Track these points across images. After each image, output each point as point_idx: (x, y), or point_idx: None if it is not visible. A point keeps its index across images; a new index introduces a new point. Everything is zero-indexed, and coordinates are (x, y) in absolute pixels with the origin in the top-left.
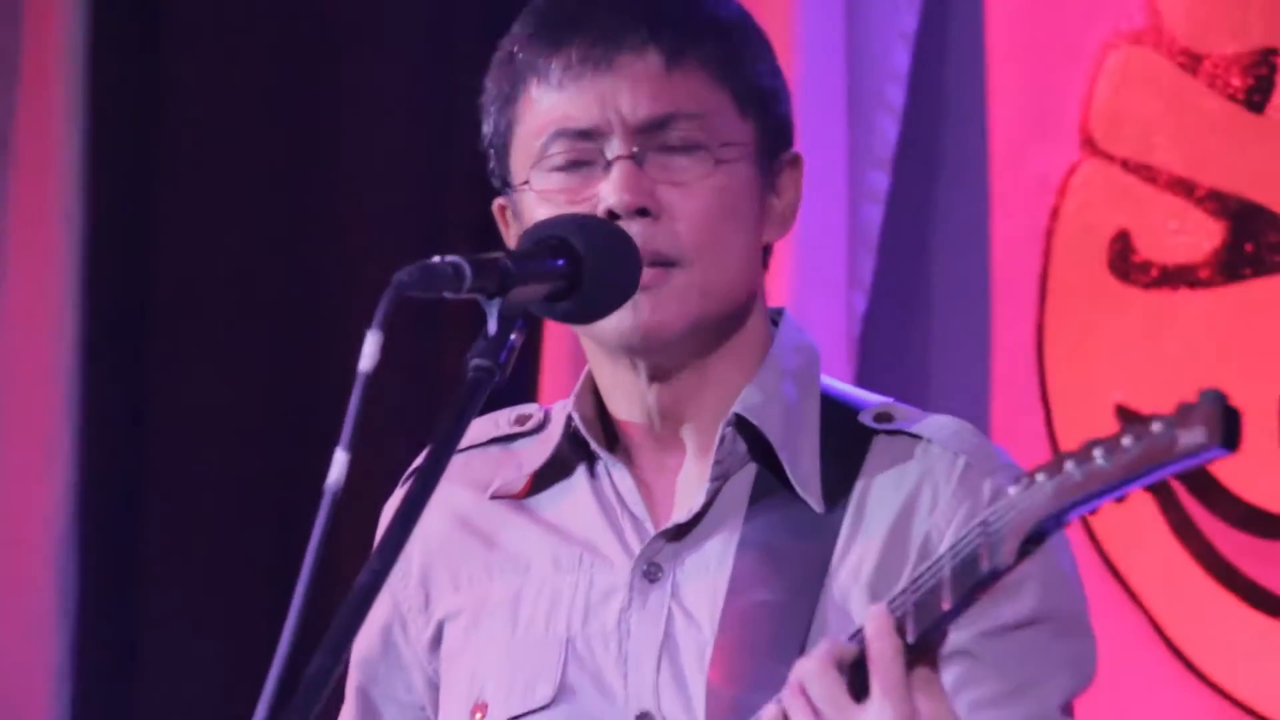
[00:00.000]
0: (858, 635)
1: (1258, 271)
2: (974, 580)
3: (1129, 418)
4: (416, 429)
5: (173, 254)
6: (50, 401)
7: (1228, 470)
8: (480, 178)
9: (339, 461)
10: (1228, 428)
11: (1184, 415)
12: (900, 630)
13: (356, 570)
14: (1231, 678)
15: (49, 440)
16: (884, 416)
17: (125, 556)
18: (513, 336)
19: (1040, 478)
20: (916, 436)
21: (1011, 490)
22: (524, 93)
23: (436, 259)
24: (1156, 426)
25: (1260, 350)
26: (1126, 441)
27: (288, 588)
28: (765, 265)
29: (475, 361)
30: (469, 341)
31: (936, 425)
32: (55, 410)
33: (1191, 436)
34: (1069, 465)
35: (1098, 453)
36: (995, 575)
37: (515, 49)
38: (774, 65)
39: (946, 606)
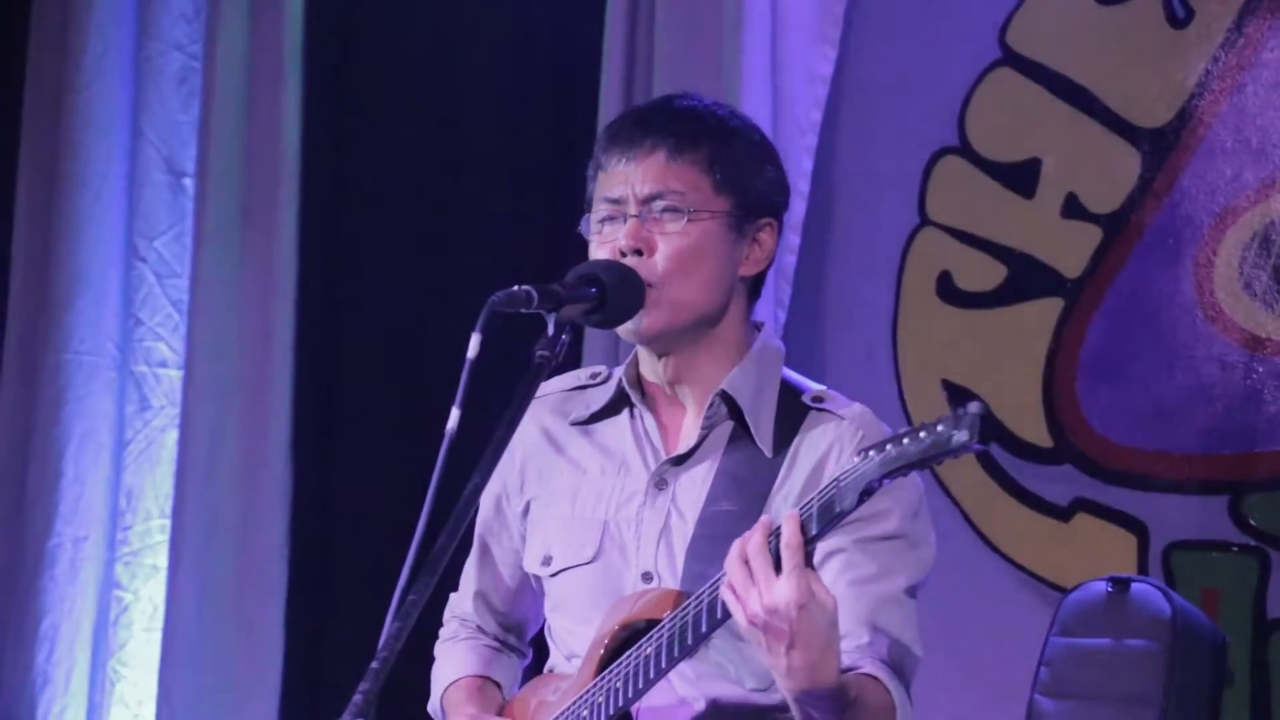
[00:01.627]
0: (774, 534)
1: (1026, 298)
2: (830, 516)
3: (950, 388)
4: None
5: (354, 283)
6: (275, 366)
7: (1009, 419)
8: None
9: (454, 415)
10: (984, 431)
11: (958, 420)
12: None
13: (465, 481)
14: (1013, 549)
15: (274, 386)
16: (818, 399)
17: (321, 472)
18: (563, 337)
19: (872, 454)
20: (836, 415)
21: (855, 459)
22: (595, 178)
23: (516, 288)
24: (941, 427)
25: (1028, 344)
26: (923, 435)
27: (423, 492)
28: (756, 292)
29: (540, 352)
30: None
31: (849, 410)
32: (278, 369)
33: (960, 436)
34: (889, 447)
35: (906, 440)
36: (843, 515)
37: (595, 151)
38: (760, 163)
39: (814, 531)
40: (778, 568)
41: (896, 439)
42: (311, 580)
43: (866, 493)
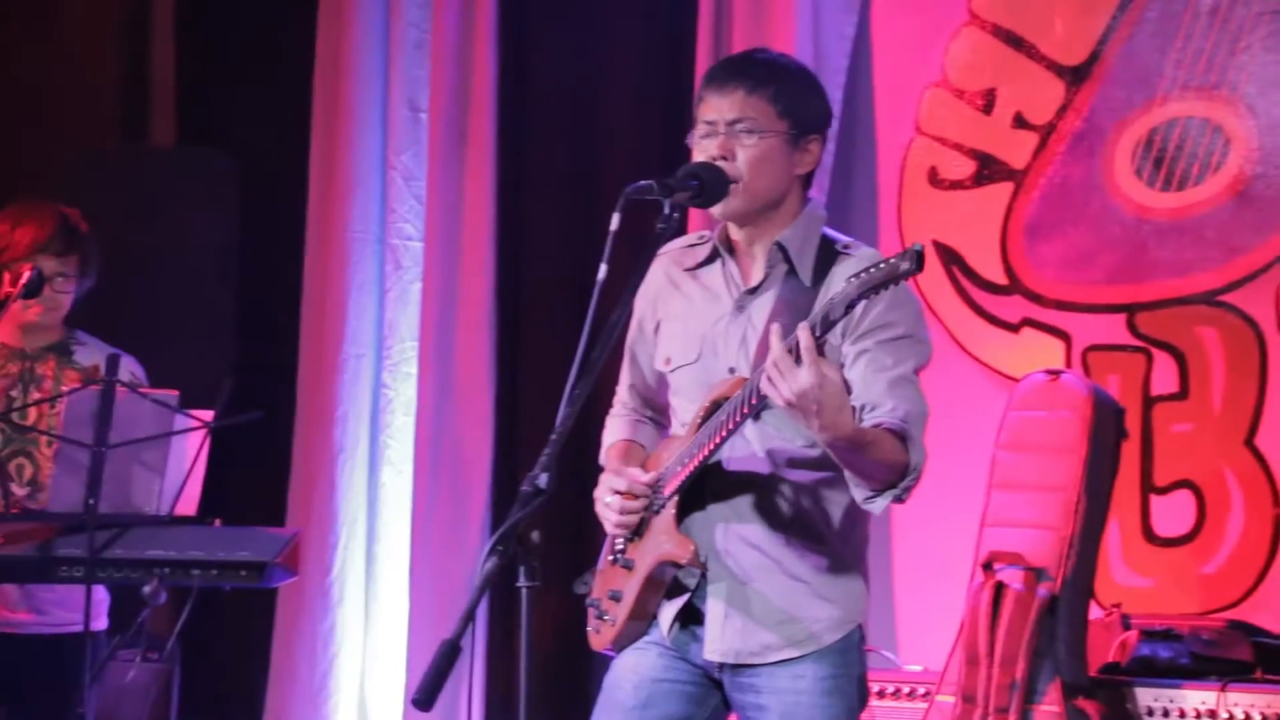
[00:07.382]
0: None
1: (988, 183)
2: (828, 322)
3: (938, 245)
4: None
5: (535, 180)
6: (483, 237)
7: (978, 266)
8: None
9: (602, 269)
10: (919, 261)
11: (904, 256)
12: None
13: (611, 313)
14: (982, 353)
15: (484, 250)
16: (846, 247)
17: (514, 305)
18: (674, 214)
19: (853, 280)
20: (854, 256)
21: (844, 284)
22: (698, 105)
23: (643, 181)
24: (893, 260)
25: (990, 214)
26: (882, 264)
27: (584, 319)
28: (809, 182)
29: (659, 225)
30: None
31: (862, 250)
32: (485, 239)
33: (905, 265)
34: (863, 274)
35: (873, 270)
36: (836, 321)
37: (699, 86)
38: (809, 97)
39: (819, 333)
40: (799, 362)
41: (866, 269)
42: (511, 374)
43: (850, 306)
